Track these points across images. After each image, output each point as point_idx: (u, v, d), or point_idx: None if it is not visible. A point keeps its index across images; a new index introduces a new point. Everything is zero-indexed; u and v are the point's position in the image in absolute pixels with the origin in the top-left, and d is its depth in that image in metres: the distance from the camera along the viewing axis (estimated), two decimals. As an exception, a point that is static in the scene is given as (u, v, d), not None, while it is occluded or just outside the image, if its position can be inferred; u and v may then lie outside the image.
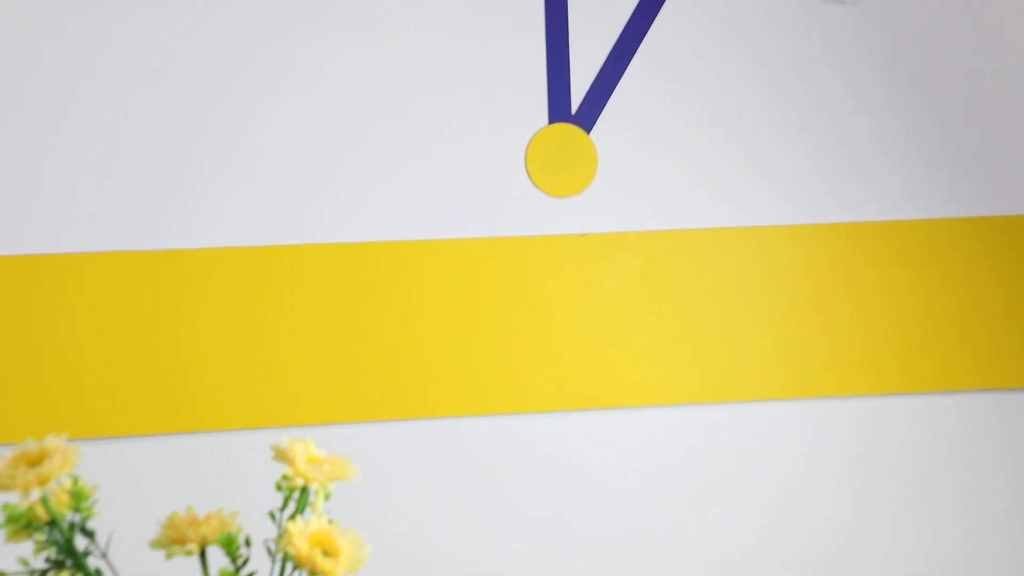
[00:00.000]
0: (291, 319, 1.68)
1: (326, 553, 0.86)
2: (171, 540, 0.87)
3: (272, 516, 0.92)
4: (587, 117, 1.74)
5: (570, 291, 1.72)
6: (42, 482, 0.82)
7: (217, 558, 0.91)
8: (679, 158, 1.74)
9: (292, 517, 0.88)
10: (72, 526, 0.85)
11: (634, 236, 1.73)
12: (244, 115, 1.66)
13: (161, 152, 1.65)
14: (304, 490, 0.89)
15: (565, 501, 1.73)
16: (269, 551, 0.92)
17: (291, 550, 0.85)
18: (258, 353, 1.67)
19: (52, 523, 0.85)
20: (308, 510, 0.91)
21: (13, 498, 0.85)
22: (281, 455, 0.90)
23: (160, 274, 1.65)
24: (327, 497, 0.91)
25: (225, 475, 1.64)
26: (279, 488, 0.93)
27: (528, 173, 1.73)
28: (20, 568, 0.87)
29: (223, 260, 1.67)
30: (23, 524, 0.85)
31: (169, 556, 0.90)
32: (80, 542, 0.87)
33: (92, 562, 0.86)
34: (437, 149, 1.70)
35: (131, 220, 1.65)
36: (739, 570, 1.76)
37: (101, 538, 0.90)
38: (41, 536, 0.86)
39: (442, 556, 1.70)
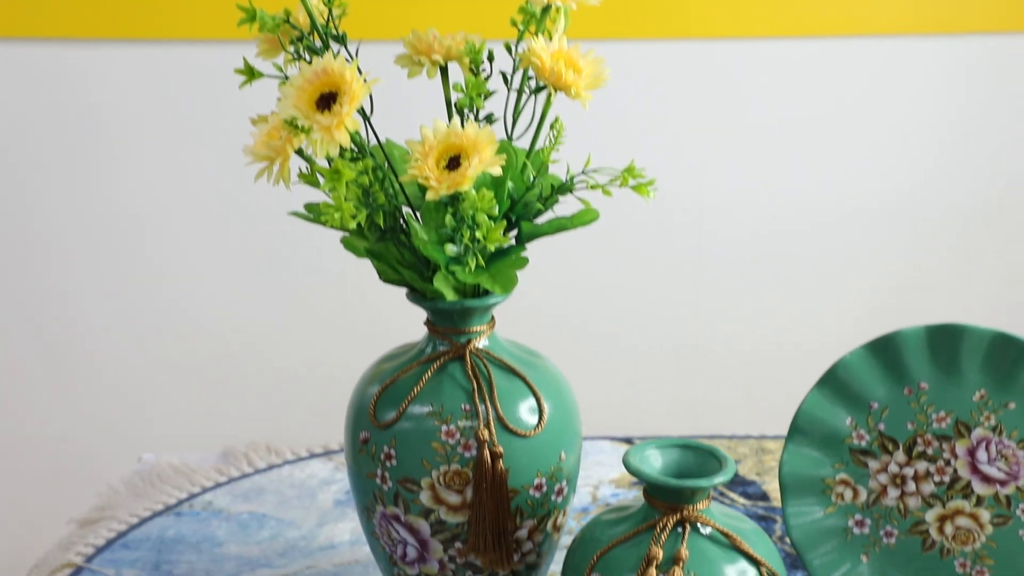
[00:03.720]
0: None
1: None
2: (416, 52, 0.90)
3: (508, 48, 0.93)
4: None
5: None
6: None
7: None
8: None
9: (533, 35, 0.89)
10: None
11: None
12: None
13: None
14: (546, 9, 0.89)
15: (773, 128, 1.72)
16: (505, 79, 0.93)
17: (536, 62, 0.86)
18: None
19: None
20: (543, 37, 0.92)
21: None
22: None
23: None
24: (567, 20, 0.91)
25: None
26: (514, 23, 0.93)
27: None
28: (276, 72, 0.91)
29: None
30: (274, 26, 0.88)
31: (411, 76, 0.92)
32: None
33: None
34: None
35: None
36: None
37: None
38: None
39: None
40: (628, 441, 1.39)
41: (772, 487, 1.27)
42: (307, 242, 1.78)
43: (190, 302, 1.86)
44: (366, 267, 1.02)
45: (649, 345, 1.86)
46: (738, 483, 1.28)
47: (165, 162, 1.81)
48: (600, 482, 1.29)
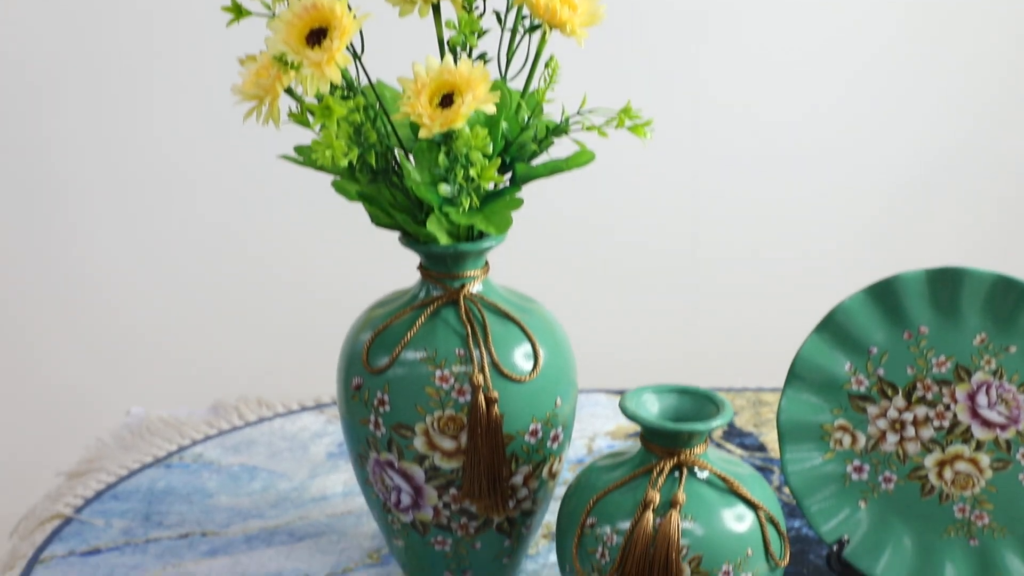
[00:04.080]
0: None
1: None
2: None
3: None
4: None
5: None
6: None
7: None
8: None
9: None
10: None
11: None
12: None
13: None
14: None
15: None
16: (499, 17, 0.92)
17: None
18: None
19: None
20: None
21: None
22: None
23: None
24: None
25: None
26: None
27: None
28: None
29: None
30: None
31: (403, 14, 0.91)
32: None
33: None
34: None
35: None
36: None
37: None
38: None
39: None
40: (623, 394, 1.38)
41: (770, 438, 1.26)
42: (297, 188, 1.76)
43: (177, 253, 1.84)
44: (357, 212, 1.01)
45: (645, 295, 1.85)
46: (735, 434, 1.28)
47: (153, 103, 1.79)
48: (596, 434, 1.28)
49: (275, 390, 1.43)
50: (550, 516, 1.10)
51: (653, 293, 1.86)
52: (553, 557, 1.06)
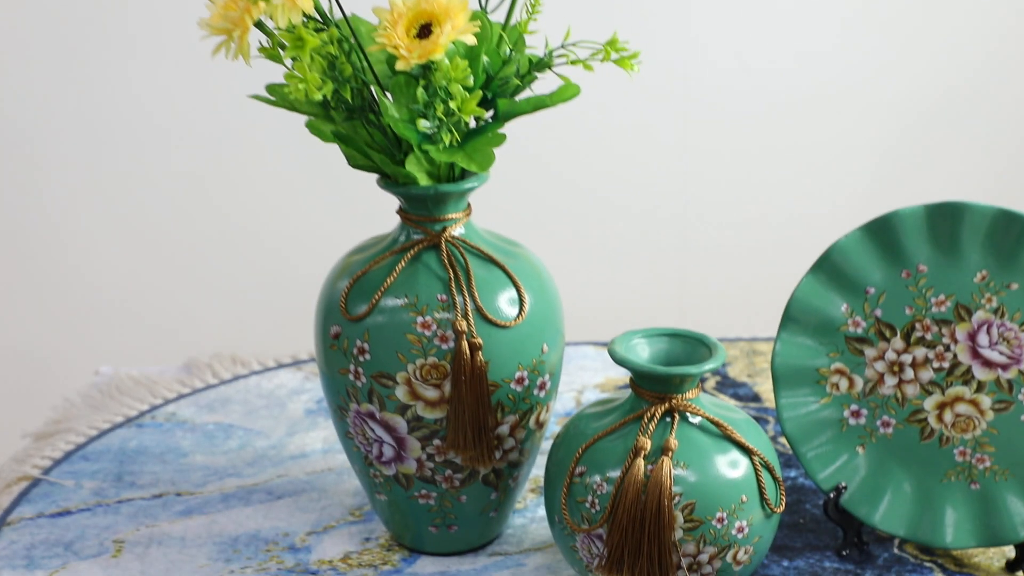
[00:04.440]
0: None
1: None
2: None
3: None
4: None
5: None
6: None
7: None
8: None
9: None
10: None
11: None
12: None
13: None
14: None
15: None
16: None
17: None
18: None
19: None
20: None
21: None
22: None
23: None
24: None
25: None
26: None
27: None
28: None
29: None
30: None
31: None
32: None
33: None
34: None
35: None
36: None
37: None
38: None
39: None
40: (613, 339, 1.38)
41: (764, 388, 1.26)
42: (268, 132, 1.75)
43: (144, 205, 1.82)
44: (333, 155, 1.01)
45: (634, 242, 1.85)
46: (728, 385, 1.28)
47: (117, 48, 1.77)
48: (584, 387, 1.28)
49: (250, 347, 1.43)
50: (538, 471, 1.10)
51: (642, 240, 1.85)
52: (542, 511, 1.06)
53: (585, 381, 1.29)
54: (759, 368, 1.31)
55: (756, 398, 1.25)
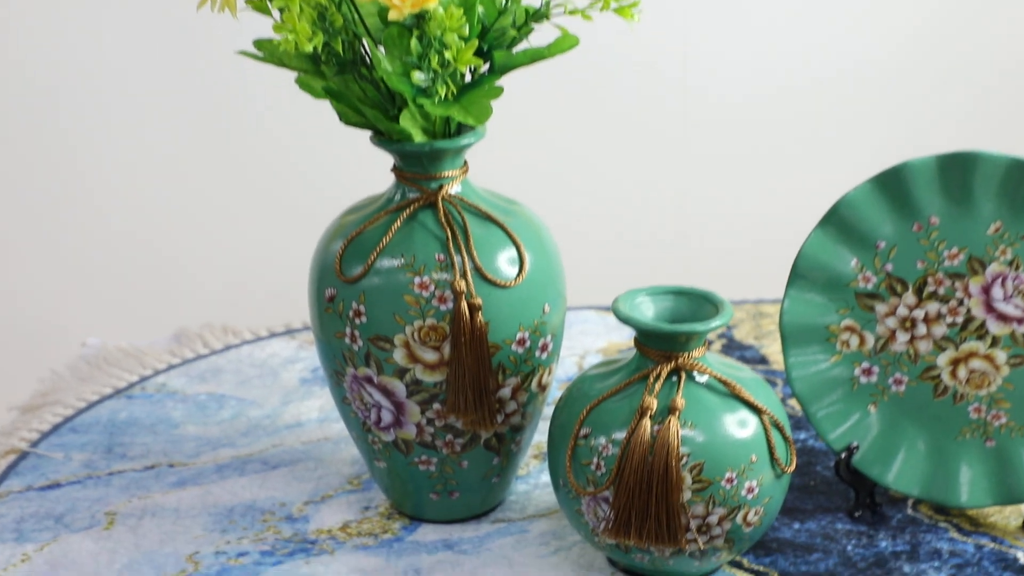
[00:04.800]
0: None
1: None
2: None
3: None
4: None
5: None
6: None
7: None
8: None
9: None
10: None
11: None
12: None
13: None
14: None
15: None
16: None
17: None
18: None
19: None
20: None
21: None
22: None
23: None
24: None
25: None
26: None
27: None
28: None
29: None
30: None
31: None
32: None
33: None
34: None
35: None
36: None
37: None
38: None
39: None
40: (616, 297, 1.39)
41: (771, 351, 1.27)
42: (256, 90, 1.74)
43: (132, 173, 1.82)
44: (324, 112, 1.01)
45: (637, 202, 1.85)
46: (735, 347, 1.28)
47: (99, 14, 1.77)
48: (587, 352, 1.29)
49: (242, 316, 1.43)
50: (540, 436, 1.11)
51: (644, 201, 1.85)
52: (545, 477, 1.07)
53: (587, 346, 1.29)
54: (766, 330, 1.31)
55: (763, 360, 1.25)
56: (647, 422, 0.87)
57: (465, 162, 0.96)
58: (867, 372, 0.99)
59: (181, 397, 1.21)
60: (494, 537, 0.99)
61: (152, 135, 1.81)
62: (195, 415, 1.17)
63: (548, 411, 1.11)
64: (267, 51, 0.92)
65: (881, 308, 0.98)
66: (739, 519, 0.88)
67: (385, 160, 0.99)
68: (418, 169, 0.94)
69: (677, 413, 0.87)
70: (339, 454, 1.11)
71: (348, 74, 0.90)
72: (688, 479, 0.87)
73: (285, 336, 1.33)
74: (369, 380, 0.95)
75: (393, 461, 0.98)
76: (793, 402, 1.15)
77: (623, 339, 1.31)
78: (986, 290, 0.96)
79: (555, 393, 1.17)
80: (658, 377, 0.89)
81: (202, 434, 1.14)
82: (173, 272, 1.84)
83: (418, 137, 0.91)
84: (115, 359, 1.28)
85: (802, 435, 1.11)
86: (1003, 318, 0.96)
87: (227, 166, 1.82)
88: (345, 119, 0.93)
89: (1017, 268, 0.95)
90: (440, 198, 0.94)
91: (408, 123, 0.90)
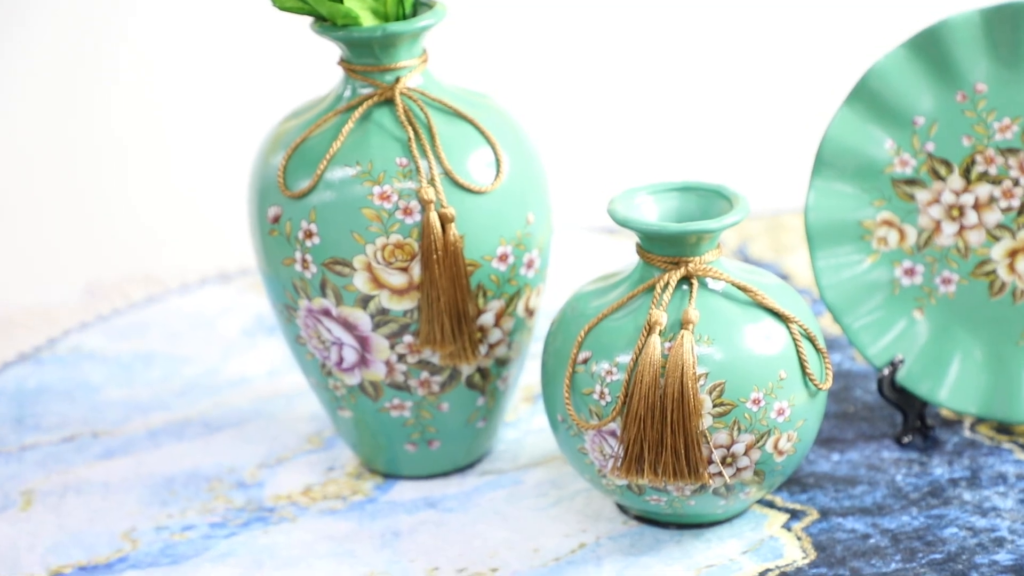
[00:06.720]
0: None
1: None
2: None
3: None
4: None
5: None
6: None
7: None
8: None
9: None
10: None
11: None
12: None
13: None
14: None
15: None
16: None
17: None
18: None
19: None
20: None
21: None
22: None
23: None
24: None
25: None
26: None
27: None
28: None
29: None
30: None
31: None
32: None
33: None
34: None
35: None
36: None
37: None
38: None
39: None
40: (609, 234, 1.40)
41: (792, 265, 1.29)
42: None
43: (21, 85, 1.81)
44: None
45: (628, 99, 1.85)
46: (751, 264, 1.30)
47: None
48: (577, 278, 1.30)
49: (166, 263, 1.44)
50: (530, 377, 1.13)
51: (639, 94, 1.86)
52: (538, 422, 1.09)
53: (578, 271, 1.31)
54: (785, 244, 1.33)
55: (784, 278, 1.27)
56: (656, 339, 0.88)
57: (424, 50, 0.97)
58: (910, 272, 1.01)
59: (100, 358, 1.22)
60: (483, 491, 1.01)
61: (55, 39, 1.80)
62: (118, 377, 1.19)
63: (537, 348, 1.13)
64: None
65: (923, 196, 1.00)
66: (769, 447, 0.90)
67: (330, 51, 1.00)
68: (369, 60, 0.95)
69: (691, 327, 0.89)
70: (294, 410, 1.13)
71: (281, -52, 0.91)
72: (708, 403, 0.88)
73: (219, 282, 1.35)
74: (326, 313, 0.96)
75: (360, 409, 1.00)
76: (824, 322, 1.17)
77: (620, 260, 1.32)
78: (1044, 167, 0.98)
79: (545, 329, 1.19)
80: (666, 287, 0.90)
81: (128, 397, 1.16)
82: (78, 215, 1.84)
83: (367, 21, 0.92)
84: (19, 319, 1.29)
85: (836, 357, 1.13)
86: (1066, 198, 0.98)
87: (139, 72, 1.80)
88: (279, 3, 0.94)
89: (1079, 138, 0.97)
90: (398, 92, 0.95)
91: (355, 4, 0.91)
